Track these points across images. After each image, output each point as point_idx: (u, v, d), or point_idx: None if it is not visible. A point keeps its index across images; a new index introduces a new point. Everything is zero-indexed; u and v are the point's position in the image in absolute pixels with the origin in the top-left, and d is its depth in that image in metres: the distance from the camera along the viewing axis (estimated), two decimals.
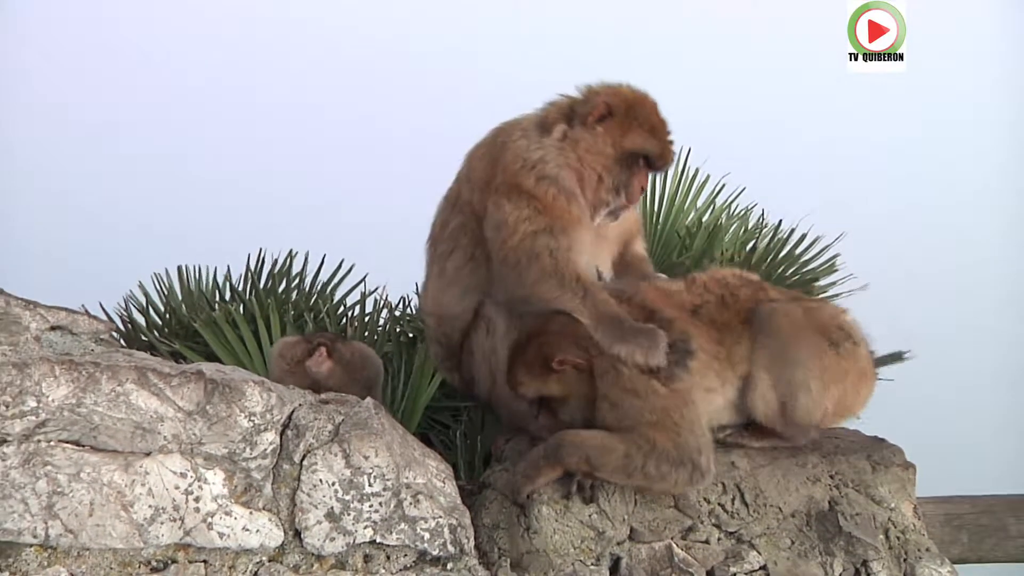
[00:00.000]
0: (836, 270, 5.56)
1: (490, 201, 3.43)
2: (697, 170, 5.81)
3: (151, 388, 2.89)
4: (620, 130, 3.46)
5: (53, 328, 3.19)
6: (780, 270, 5.46)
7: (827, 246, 5.60)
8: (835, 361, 3.23)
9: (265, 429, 2.97)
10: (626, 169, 3.48)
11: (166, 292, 5.50)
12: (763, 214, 5.83)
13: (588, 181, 3.46)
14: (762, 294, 3.34)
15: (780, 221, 5.70)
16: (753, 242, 5.65)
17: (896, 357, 5.22)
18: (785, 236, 5.60)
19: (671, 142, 3.55)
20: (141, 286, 5.55)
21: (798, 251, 5.55)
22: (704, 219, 5.71)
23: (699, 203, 5.83)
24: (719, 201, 5.86)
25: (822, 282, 5.52)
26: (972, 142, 9.52)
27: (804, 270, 5.50)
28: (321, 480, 2.97)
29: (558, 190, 3.38)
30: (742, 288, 3.35)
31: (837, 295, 5.52)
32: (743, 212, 5.84)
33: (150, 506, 2.84)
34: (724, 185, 5.87)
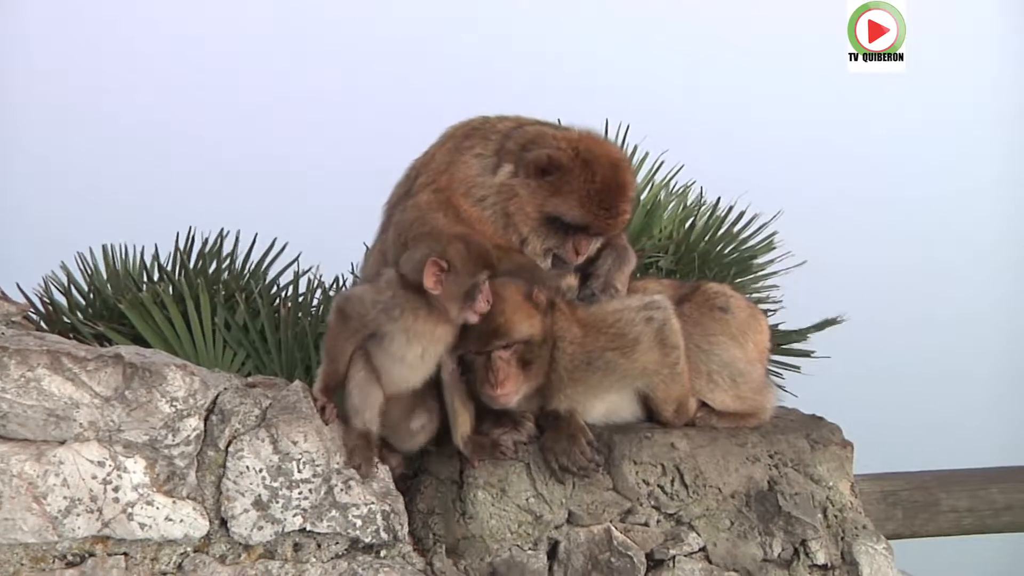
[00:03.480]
0: (774, 247, 5.55)
1: (423, 194, 3.25)
2: (636, 147, 5.74)
3: (65, 373, 2.75)
4: (550, 190, 3.14)
5: None
6: (719, 248, 5.44)
7: (764, 224, 5.58)
8: (735, 318, 3.26)
9: (188, 415, 2.84)
10: (558, 232, 3.18)
11: (91, 272, 5.28)
12: (702, 192, 5.78)
13: (515, 237, 3.21)
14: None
15: (719, 199, 5.67)
16: (691, 219, 5.62)
17: (832, 322, 5.28)
18: (723, 214, 5.57)
19: (610, 213, 3.15)
20: (64, 266, 5.32)
21: (736, 229, 5.53)
22: (643, 197, 5.65)
23: (638, 180, 5.76)
24: (658, 179, 5.80)
25: (760, 259, 5.51)
26: (969, 138, 9.56)
27: (743, 247, 5.48)
28: (248, 467, 2.85)
29: (494, 230, 3.20)
30: None
31: (775, 272, 5.51)
32: (682, 190, 5.79)
33: (65, 497, 2.71)
34: (663, 163, 5.81)
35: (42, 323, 4.94)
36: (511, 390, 2.98)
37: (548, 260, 3.25)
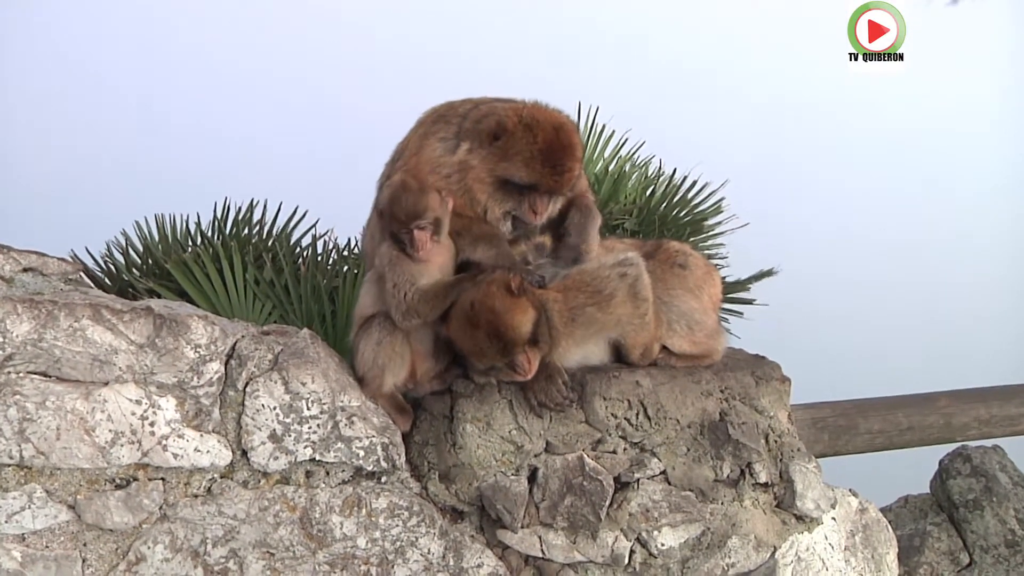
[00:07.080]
0: (721, 211, 5.35)
1: (397, 175, 2.93)
2: (604, 126, 5.56)
3: (105, 323, 2.55)
4: (499, 155, 2.83)
5: (25, 270, 2.82)
6: (675, 212, 5.26)
7: (714, 191, 5.38)
8: (692, 274, 3.05)
9: (210, 359, 2.63)
10: (512, 194, 2.87)
11: (145, 238, 5.08)
12: (660, 163, 5.58)
13: (478, 208, 2.90)
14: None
15: (675, 169, 5.47)
16: (652, 188, 5.43)
17: (768, 273, 5.11)
18: (679, 183, 5.36)
19: (555, 171, 2.82)
20: (124, 232, 5.15)
21: (690, 195, 5.33)
22: (610, 168, 5.46)
23: (606, 154, 5.56)
24: (623, 152, 5.59)
25: (710, 221, 5.31)
26: (965, 133, 9.17)
27: (695, 211, 5.28)
28: (263, 405, 2.64)
29: (460, 202, 2.89)
30: None
31: (722, 232, 5.32)
32: (643, 162, 5.58)
33: (110, 430, 2.54)
34: (627, 139, 5.61)
35: (106, 279, 4.78)
36: (535, 369, 2.72)
37: (508, 223, 2.94)
